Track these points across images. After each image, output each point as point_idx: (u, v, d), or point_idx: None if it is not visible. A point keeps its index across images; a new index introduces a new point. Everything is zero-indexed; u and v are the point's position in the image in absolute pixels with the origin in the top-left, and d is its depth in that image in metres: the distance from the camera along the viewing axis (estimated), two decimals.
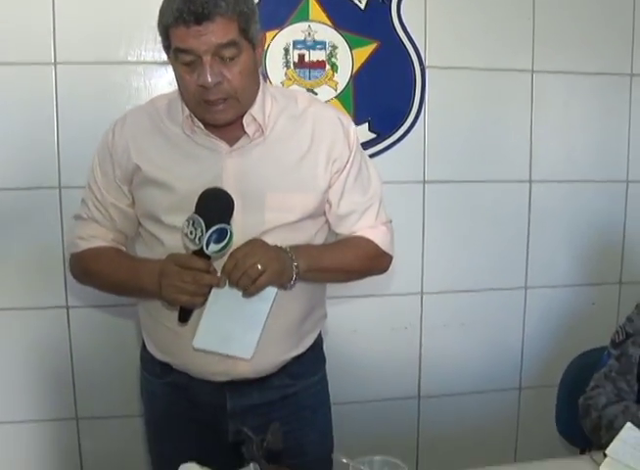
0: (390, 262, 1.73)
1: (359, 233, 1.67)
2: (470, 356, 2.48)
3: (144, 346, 1.73)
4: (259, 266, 1.41)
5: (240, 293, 1.46)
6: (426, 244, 2.39)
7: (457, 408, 2.49)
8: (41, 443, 2.22)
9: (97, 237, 1.65)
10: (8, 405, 2.19)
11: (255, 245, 1.46)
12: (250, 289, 1.43)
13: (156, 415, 1.76)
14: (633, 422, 1.68)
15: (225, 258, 1.45)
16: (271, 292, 1.48)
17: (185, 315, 1.48)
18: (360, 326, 2.34)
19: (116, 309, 2.19)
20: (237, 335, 1.49)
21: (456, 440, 2.42)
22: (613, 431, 1.69)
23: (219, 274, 1.45)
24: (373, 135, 2.34)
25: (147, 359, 1.73)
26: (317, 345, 1.77)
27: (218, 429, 1.65)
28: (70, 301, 2.19)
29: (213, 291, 1.45)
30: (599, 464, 1.58)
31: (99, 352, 2.20)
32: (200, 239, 1.41)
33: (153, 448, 1.84)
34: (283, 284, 1.50)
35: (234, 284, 1.43)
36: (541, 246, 2.53)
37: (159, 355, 1.67)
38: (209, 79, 1.40)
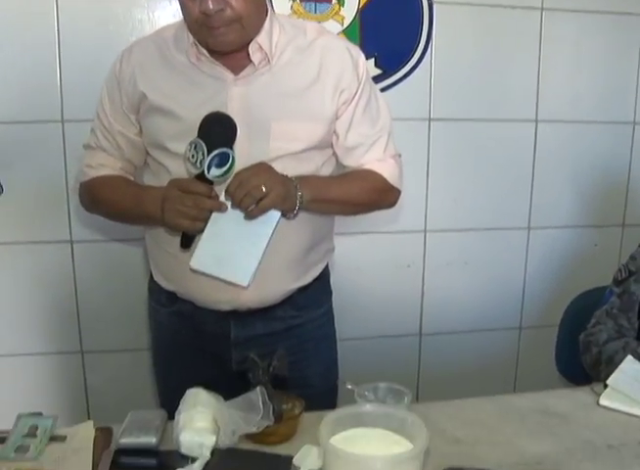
0: (398, 197, 1.73)
1: (367, 166, 1.67)
2: (472, 295, 2.50)
3: (151, 276, 1.75)
4: (263, 188, 1.41)
5: (241, 216, 1.45)
6: (430, 182, 2.40)
7: (458, 346, 2.52)
8: (47, 376, 2.25)
9: (105, 166, 1.65)
10: (14, 339, 2.22)
11: (261, 167, 1.46)
12: (252, 211, 1.43)
13: (162, 344, 1.79)
14: (633, 357, 1.71)
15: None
16: (274, 216, 1.48)
17: (187, 241, 1.49)
18: (363, 264, 2.35)
19: (121, 244, 2.20)
20: (235, 259, 1.49)
21: (456, 377, 2.46)
22: (612, 366, 1.72)
23: (221, 199, 1.45)
24: (379, 71, 2.32)
25: (154, 289, 1.75)
26: (324, 277, 1.78)
27: (222, 358, 1.68)
28: (74, 235, 2.20)
29: (214, 215, 1.45)
30: (599, 395, 1.60)
31: (103, 286, 2.22)
32: (201, 163, 1.41)
33: (159, 378, 1.87)
34: (286, 211, 1.50)
35: (236, 204, 1.43)
36: (545, 186, 2.53)
37: (164, 284, 1.68)
38: (211, 6, 1.39)
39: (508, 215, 2.50)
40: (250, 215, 1.44)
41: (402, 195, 1.72)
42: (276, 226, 1.49)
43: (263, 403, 1.32)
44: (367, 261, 2.36)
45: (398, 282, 2.40)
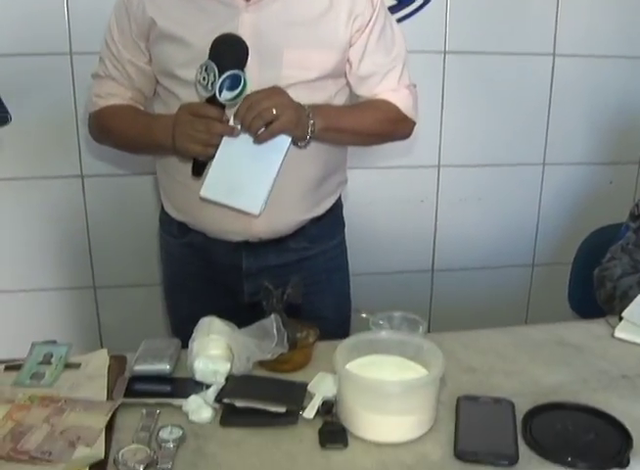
0: (413, 128, 1.69)
1: (381, 96, 1.63)
2: (485, 232, 2.47)
3: (162, 207, 1.73)
4: (274, 111, 1.38)
5: (251, 142, 1.42)
6: (444, 116, 2.35)
7: (470, 283, 2.51)
8: (60, 311, 2.26)
9: (115, 95, 1.62)
10: (26, 274, 2.22)
11: (273, 91, 1.42)
12: (262, 135, 1.40)
13: (173, 276, 1.78)
14: None
15: None
16: (284, 142, 1.44)
17: (198, 168, 1.46)
18: (376, 198, 2.33)
19: (132, 177, 2.18)
20: (246, 187, 1.46)
21: (467, 314, 2.44)
22: (627, 300, 1.70)
23: (231, 123, 1.42)
24: (394, 2, 2.25)
25: (165, 220, 1.73)
26: (336, 208, 1.76)
27: (234, 289, 1.67)
28: (85, 169, 2.17)
29: (225, 140, 1.42)
30: (614, 327, 1.59)
31: (115, 221, 2.21)
32: (212, 85, 1.37)
33: (170, 310, 1.87)
34: (297, 138, 1.46)
35: (246, 127, 1.39)
36: (561, 122, 2.48)
37: (175, 215, 1.67)
38: None
39: (523, 151, 2.46)
40: (259, 139, 1.41)
41: (416, 128, 1.69)
42: (286, 153, 1.45)
43: (278, 331, 1.32)
44: (380, 196, 2.33)
45: (411, 218, 2.37)
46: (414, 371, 1.25)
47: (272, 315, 1.34)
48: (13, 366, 1.36)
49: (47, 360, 1.36)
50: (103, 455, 1.12)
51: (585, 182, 2.57)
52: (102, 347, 2.24)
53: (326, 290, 1.73)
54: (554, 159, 2.48)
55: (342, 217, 1.81)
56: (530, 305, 2.63)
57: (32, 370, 1.34)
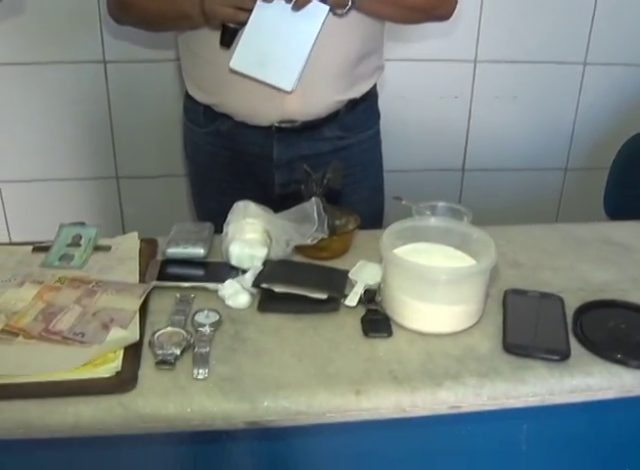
0: (455, 7, 1.55)
1: None
2: (518, 132, 2.35)
3: (187, 94, 1.62)
4: None
5: (287, 9, 1.30)
6: (484, 8, 2.19)
7: (499, 184, 2.40)
8: (83, 201, 2.17)
9: None
10: (49, 164, 2.12)
11: None
12: (299, 0, 1.28)
13: (199, 169, 1.68)
14: None
15: None
16: (322, 10, 1.31)
17: (228, 37, 1.33)
18: (408, 92, 2.20)
19: (156, 64, 2.05)
20: (279, 60, 1.35)
21: (495, 216, 2.34)
22: None
23: None
24: None
25: (190, 108, 1.62)
26: (372, 97, 1.64)
27: (264, 181, 1.58)
28: (108, 55, 2.04)
29: (258, 5, 1.29)
30: None
31: (138, 110, 2.10)
32: None
33: (197, 205, 1.78)
34: (337, 5, 1.33)
35: None
36: (606, 19, 2.31)
37: (200, 97, 1.54)
38: None
39: (564, 48, 2.30)
40: (296, 5, 1.29)
41: (453, 20, 1.55)
42: (323, 23, 1.33)
43: (318, 215, 1.23)
44: (413, 90, 2.20)
45: (444, 114, 2.25)
46: (462, 261, 1.17)
47: (313, 199, 1.25)
48: (41, 247, 1.29)
49: (76, 242, 1.29)
50: (138, 337, 1.05)
51: (628, 84, 2.41)
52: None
53: (360, 183, 1.63)
54: (597, 58, 2.33)
55: (378, 108, 1.70)
56: (561, 212, 2.53)
57: (61, 252, 1.26)
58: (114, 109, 2.08)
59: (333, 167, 1.32)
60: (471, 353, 1.08)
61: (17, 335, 1.05)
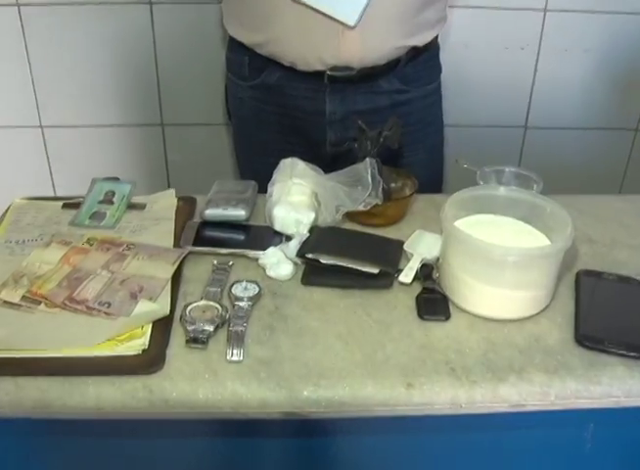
0: None
1: None
2: (587, 89, 2.13)
3: (229, 43, 1.45)
4: None
5: None
6: None
7: (564, 143, 2.19)
8: (128, 148, 2.04)
9: None
10: (93, 109, 1.99)
11: None
12: None
13: (244, 126, 1.52)
14: None
15: None
16: None
17: None
18: (472, 41, 1.99)
19: (203, 6, 1.88)
20: None
21: (557, 178, 2.15)
22: None
23: None
24: None
25: (233, 59, 1.45)
26: (434, 48, 1.46)
27: (315, 140, 1.41)
28: None
29: None
30: None
31: (184, 55, 1.94)
32: None
33: (242, 165, 1.62)
34: None
35: None
36: None
37: (246, 37, 1.35)
38: None
39: None
40: None
41: None
42: None
43: (373, 178, 1.08)
44: (476, 40, 1.98)
45: (508, 66, 2.03)
46: (533, 237, 1.01)
47: (367, 159, 1.10)
48: (71, 204, 1.16)
49: (108, 199, 1.16)
50: (168, 311, 0.92)
51: None
52: (169, 187, 2.09)
53: (419, 143, 1.46)
54: None
55: (439, 61, 1.51)
56: (627, 177, 2.32)
57: (92, 209, 1.14)
58: (159, 53, 1.93)
59: (390, 124, 1.15)
60: (537, 345, 0.92)
61: (38, 303, 0.93)
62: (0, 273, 0.98)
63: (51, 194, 2.01)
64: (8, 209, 1.16)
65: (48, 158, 1.99)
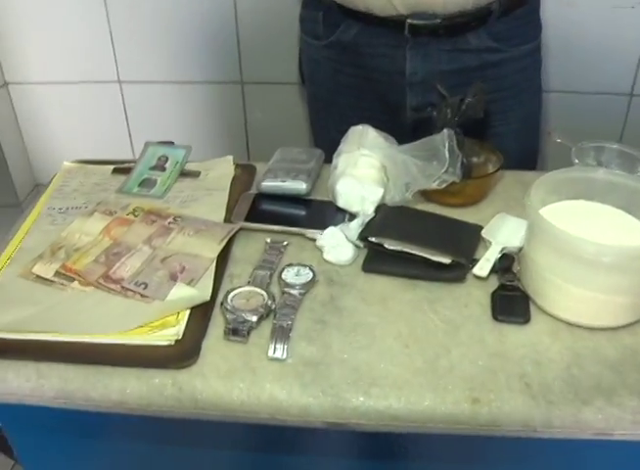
0: None
1: None
2: None
3: (303, 3, 1.29)
4: None
5: None
6: None
7: None
8: (208, 104, 1.93)
9: None
10: (174, 65, 1.88)
11: None
12: None
13: (319, 92, 1.36)
14: None
15: None
16: None
17: None
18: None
19: None
20: None
21: None
22: None
23: None
24: None
25: (306, 17, 1.29)
26: (532, 1, 1.25)
27: (395, 104, 1.24)
28: None
29: None
30: None
31: (265, 11, 1.79)
32: None
33: (317, 134, 1.47)
34: None
35: None
36: None
37: None
38: None
39: None
40: None
41: None
42: None
43: (450, 152, 0.91)
44: None
45: (615, 26, 1.79)
46: (635, 232, 0.83)
47: (445, 131, 0.93)
48: (122, 169, 1.05)
49: (161, 165, 1.04)
50: (208, 297, 0.81)
51: None
52: (248, 147, 1.98)
53: (512, 111, 1.26)
54: None
55: (539, 18, 1.30)
56: None
57: (142, 176, 1.03)
58: (239, 7, 1.79)
59: (474, 90, 0.99)
60: (633, 360, 0.75)
61: (72, 279, 0.83)
62: (38, 244, 0.89)
63: (128, 151, 1.92)
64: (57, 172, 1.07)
65: (126, 113, 1.90)
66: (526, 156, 1.32)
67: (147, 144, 1.06)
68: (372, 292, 0.84)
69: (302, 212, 0.96)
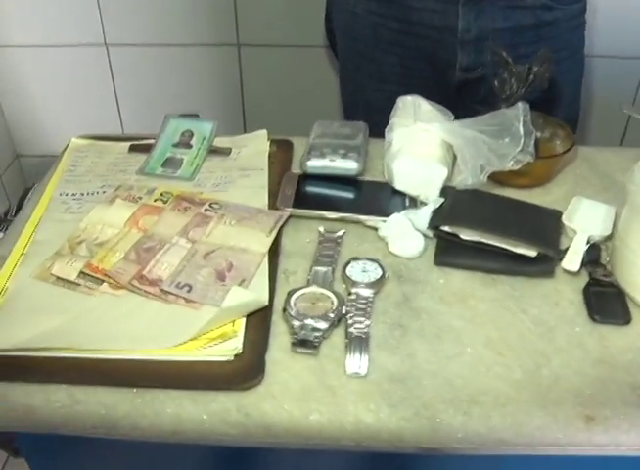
0: None
1: None
2: None
3: None
4: None
5: None
6: None
7: None
8: (202, 68, 1.76)
9: None
10: (165, 27, 1.70)
11: None
12: None
13: (355, 45, 1.19)
14: None
15: None
16: None
17: None
18: None
19: None
20: None
21: None
22: None
23: None
24: None
25: None
26: None
27: (442, 63, 1.09)
28: None
29: None
30: None
31: None
32: None
33: (350, 94, 1.29)
34: None
35: None
36: None
37: None
38: None
39: None
40: None
41: None
42: None
43: (526, 129, 0.79)
44: None
45: None
46: None
47: (519, 104, 0.80)
48: (140, 146, 0.90)
49: (185, 142, 0.89)
50: (267, 301, 0.67)
51: None
52: (244, 114, 1.81)
53: (561, 76, 1.13)
54: None
55: None
56: None
57: (166, 154, 0.88)
58: None
59: (542, 57, 0.86)
60: None
61: (100, 281, 0.69)
62: (53, 237, 0.74)
63: (116, 120, 1.75)
64: (65, 149, 0.90)
65: (113, 80, 1.72)
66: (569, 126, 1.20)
67: (167, 117, 0.91)
68: (449, 289, 0.72)
69: (356, 196, 0.83)
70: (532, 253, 0.72)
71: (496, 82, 0.86)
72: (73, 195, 0.81)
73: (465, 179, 0.78)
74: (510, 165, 0.78)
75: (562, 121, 0.90)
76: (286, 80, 1.72)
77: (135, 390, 0.60)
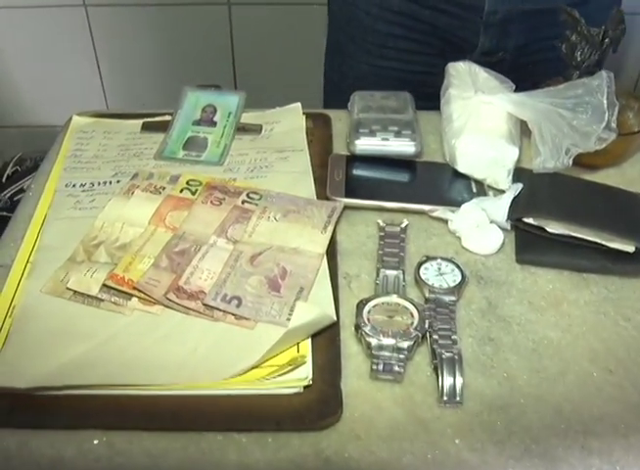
0: None
1: None
2: None
3: None
4: None
5: None
6: None
7: None
8: (190, 29, 1.55)
9: None
10: None
11: None
12: None
13: (354, 11, 1.03)
14: None
15: None
16: None
17: None
18: None
19: None
20: None
21: None
22: None
23: None
24: None
25: None
26: None
27: (461, 45, 0.95)
28: None
29: None
30: None
31: None
32: None
33: (337, 60, 1.12)
34: None
35: None
36: None
37: None
38: None
39: None
40: None
41: None
42: None
43: (609, 102, 0.67)
44: None
45: None
46: None
47: (603, 73, 0.68)
48: (154, 124, 0.76)
49: (208, 119, 0.76)
50: (334, 315, 0.55)
51: None
52: (235, 77, 1.65)
53: None
54: None
55: None
56: None
57: (186, 133, 0.74)
58: None
59: (617, 19, 0.74)
60: None
61: (129, 296, 0.56)
62: (64, 240, 0.61)
63: (98, 88, 1.58)
64: (66, 131, 0.75)
65: (94, 43, 1.55)
66: None
67: (185, 90, 0.77)
68: (537, 292, 0.61)
69: (414, 181, 0.71)
70: (630, 248, 0.61)
71: (563, 47, 0.74)
72: (82, 186, 0.67)
73: (543, 161, 0.66)
74: (595, 144, 0.66)
75: (634, 93, 0.78)
76: (278, 40, 1.57)
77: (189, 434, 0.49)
